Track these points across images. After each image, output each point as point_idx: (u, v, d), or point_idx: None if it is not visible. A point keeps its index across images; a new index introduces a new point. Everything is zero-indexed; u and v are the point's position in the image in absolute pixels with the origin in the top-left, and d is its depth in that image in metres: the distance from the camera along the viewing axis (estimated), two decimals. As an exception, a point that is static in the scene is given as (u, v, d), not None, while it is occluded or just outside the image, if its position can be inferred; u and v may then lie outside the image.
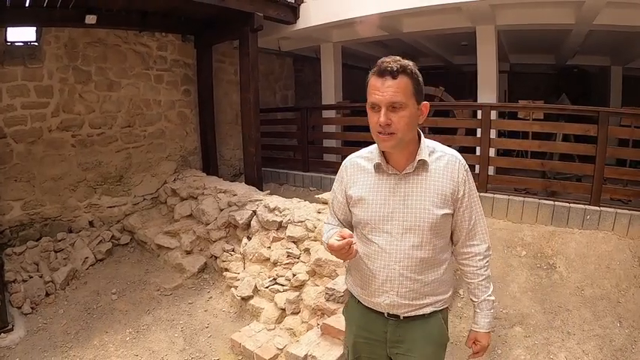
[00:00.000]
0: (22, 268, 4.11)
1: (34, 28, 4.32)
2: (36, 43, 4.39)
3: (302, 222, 3.82)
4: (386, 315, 1.44)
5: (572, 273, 3.50)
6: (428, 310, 1.42)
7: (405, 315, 1.42)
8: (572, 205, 3.97)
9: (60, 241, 4.56)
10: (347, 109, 6.38)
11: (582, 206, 3.92)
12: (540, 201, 4.13)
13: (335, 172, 1.64)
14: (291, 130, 6.81)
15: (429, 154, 1.38)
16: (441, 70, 9.50)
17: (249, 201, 4.49)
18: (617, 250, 3.54)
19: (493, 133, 4.66)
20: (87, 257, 4.48)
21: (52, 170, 4.64)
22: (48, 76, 4.48)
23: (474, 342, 1.50)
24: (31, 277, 4.01)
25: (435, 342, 1.47)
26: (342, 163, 1.54)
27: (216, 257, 4.39)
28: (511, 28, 5.12)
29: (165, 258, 4.60)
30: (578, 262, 3.56)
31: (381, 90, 1.25)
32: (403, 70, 1.26)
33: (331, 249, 1.31)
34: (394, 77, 1.25)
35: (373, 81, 1.28)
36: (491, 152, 4.63)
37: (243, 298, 3.64)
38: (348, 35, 6.14)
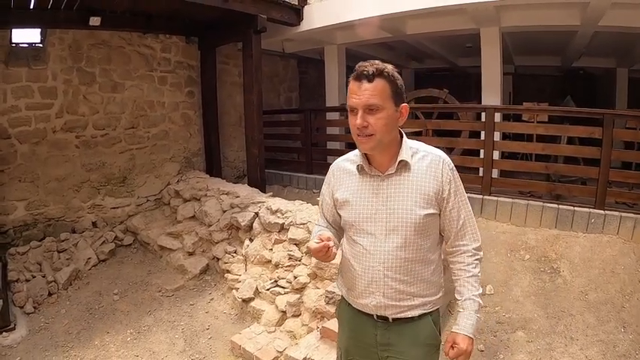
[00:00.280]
0: (25, 267, 4.13)
1: (39, 30, 4.37)
2: (40, 45, 4.43)
3: (304, 224, 3.81)
4: (375, 317, 1.43)
5: (576, 277, 3.45)
6: (417, 312, 1.41)
7: (394, 317, 1.41)
8: (576, 208, 3.93)
9: (63, 241, 4.58)
10: (350, 111, 6.34)
11: (587, 210, 3.87)
12: (544, 204, 4.10)
13: None
14: (295, 132, 6.81)
15: (412, 155, 1.39)
16: (446, 72, 9.48)
17: (252, 203, 4.49)
18: (621, 254, 3.49)
19: (497, 136, 4.63)
20: (90, 258, 4.50)
21: (55, 171, 4.67)
22: (52, 77, 4.52)
23: (451, 345, 1.39)
24: (34, 277, 4.03)
25: (426, 344, 1.44)
26: (330, 167, 1.57)
27: (218, 259, 4.40)
28: (516, 29, 5.09)
29: (168, 259, 4.61)
30: (582, 267, 3.52)
31: (358, 93, 1.28)
32: (380, 74, 1.28)
33: (310, 251, 1.35)
34: (370, 80, 1.27)
35: (351, 85, 1.32)
36: (495, 155, 4.60)
37: (244, 300, 3.63)
38: (351, 37, 6.13)
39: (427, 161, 1.39)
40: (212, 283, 4.25)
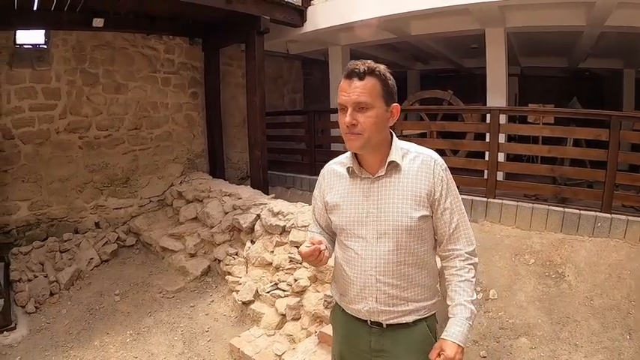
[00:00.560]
0: (28, 267, 4.15)
1: (43, 31, 4.39)
2: (44, 46, 4.45)
3: (305, 227, 3.78)
4: (369, 323, 1.40)
5: (582, 282, 3.39)
6: (411, 317, 1.37)
7: (388, 323, 1.37)
8: (582, 211, 3.87)
9: (66, 241, 4.60)
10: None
11: (593, 213, 3.82)
12: (550, 207, 4.04)
13: None
14: (298, 133, 6.79)
15: (403, 156, 1.35)
16: (452, 74, 9.41)
17: (254, 204, 4.47)
18: (628, 259, 3.42)
19: (502, 138, 4.57)
20: (92, 258, 4.51)
21: (59, 171, 4.70)
22: (56, 78, 4.55)
23: (438, 353, 1.29)
24: (36, 277, 4.05)
25: (421, 351, 1.39)
26: (321, 170, 1.54)
27: (219, 261, 4.38)
28: (521, 30, 5.02)
29: (170, 260, 4.61)
30: (588, 271, 3.45)
31: (348, 91, 1.27)
32: (371, 72, 1.26)
33: (301, 256, 1.31)
34: (361, 78, 1.26)
35: (342, 83, 1.30)
36: (500, 157, 4.54)
37: (244, 303, 3.61)
38: (356, 38, 6.10)
39: (418, 162, 1.35)
40: (213, 285, 4.23)
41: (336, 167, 1.47)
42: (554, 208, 4.02)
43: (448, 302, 1.36)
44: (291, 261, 3.69)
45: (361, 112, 1.26)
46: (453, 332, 1.29)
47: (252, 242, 4.22)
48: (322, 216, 1.53)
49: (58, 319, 3.70)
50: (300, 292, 3.36)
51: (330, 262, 1.48)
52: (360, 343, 1.43)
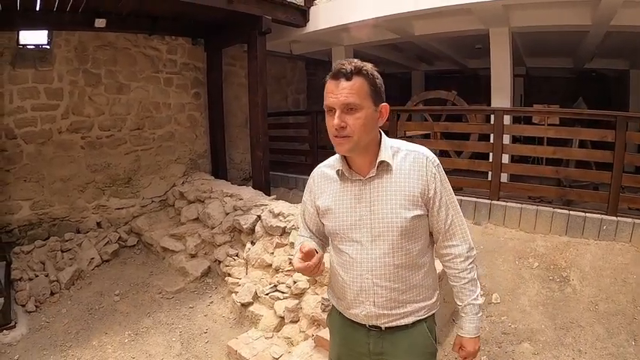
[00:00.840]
0: (29, 266, 4.16)
1: (46, 32, 4.41)
2: (47, 47, 4.47)
3: (305, 228, 3.74)
4: (367, 326, 1.37)
5: (586, 287, 3.32)
6: (410, 319, 1.35)
7: (387, 326, 1.35)
8: (588, 214, 3.80)
9: (67, 241, 4.61)
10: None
11: (599, 216, 3.74)
12: (555, 210, 3.97)
13: None
14: (302, 134, 6.76)
15: (393, 155, 1.32)
16: (456, 74, 9.35)
17: (255, 205, 4.45)
18: (634, 262, 3.35)
19: (506, 139, 4.51)
20: (93, 258, 4.51)
21: (61, 171, 4.71)
22: (58, 78, 4.57)
23: (460, 347, 1.44)
24: (37, 276, 4.05)
25: (421, 353, 1.39)
26: (311, 173, 1.50)
27: (219, 262, 4.36)
28: (526, 30, 4.96)
29: (170, 261, 4.60)
30: (593, 275, 3.38)
31: (335, 92, 1.22)
32: (358, 72, 1.22)
33: (297, 271, 1.28)
34: (348, 79, 1.21)
35: (328, 84, 1.25)
36: (505, 158, 4.47)
37: (243, 304, 3.58)
38: (358, 38, 6.06)
39: (410, 160, 1.31)
40: (213, 286, 4.21)
41: (326, 170, 1.44)
42: (559, 210, 3.95)
43: (457, 302, 1.42)
44: (290, 262, 3.66)
45: (350, 114, 1.22)
46: (469, 329, 1.39)
47: (253, 243, 4.19)
48: (312, 220, 1.50)
49: (58, 318, 3.71)
50: (299, 295, 3.32)
51: (327, 263, 1.45)
52: (359, 346, 1.41)
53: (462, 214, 1.40)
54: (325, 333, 2.56)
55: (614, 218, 3.67)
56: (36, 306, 3.81)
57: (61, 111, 4.63)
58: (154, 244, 4.87)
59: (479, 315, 1.39)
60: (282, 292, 3.46)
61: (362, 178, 1.33)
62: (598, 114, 4.12)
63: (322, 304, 2.92)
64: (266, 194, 4.94)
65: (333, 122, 1.23)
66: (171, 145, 5.68)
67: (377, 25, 5.17)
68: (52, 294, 3.99)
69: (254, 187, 5.16)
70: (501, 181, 4.40)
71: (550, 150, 4.34)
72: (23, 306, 3.79)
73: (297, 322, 3.20)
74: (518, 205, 4.16)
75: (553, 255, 3.67)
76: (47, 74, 4.49)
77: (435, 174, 1.31)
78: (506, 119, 4.52)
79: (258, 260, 3.95)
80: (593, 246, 3.64)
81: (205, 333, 3.48)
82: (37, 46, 4.42)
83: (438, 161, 1.34)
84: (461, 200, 4.18)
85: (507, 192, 4.43)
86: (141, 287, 4.23)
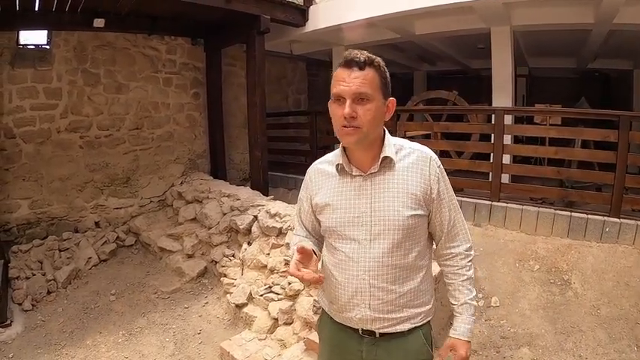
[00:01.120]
0: (27, 265, 4.16)
1: (45, 32, 4.41)
2: (47, 47, 4.48)
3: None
4: (360, 332, 1.31)
5: (588, 290, 3.24)
6: (406, 326, 1.29)
7: (382, 331, 1.28)
8: (590, 216, 3.73)
9: (65, 240, 4.60)
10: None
11: (601, 218, 3.67)
12: (556, 211, 3.90)
13: None
14: (302, 134, 6.72)
15: (396, 152, 1.27)
16: (459, 75, 9.28)
17: (252, 206, 4.41)
18: (637, 265, 3.27)
19: (507, 139, 4.44)
20: (90, 257, 4.50)
21: (59, 170, 4.71)
22: (57, 78, 4.57)
23: (450, 350, 1.35)
24: (34, 275, 4.05)
25: None
26: (307, 170, 1.45)
27: (216, 262, 4.33)
28: (527, 29, 4.89)
29: (167, 261, 4.58)
30: (595, 279, 3.30)
31: (347, 80, 1.18)
32: (371, 63, 1.19)
33: (299, 279, 1.20)
34: (361, 68, 1.18)
35: (339, 72, 1.21)
36: (506, 159, 4.41)
37: (237, 305, 3.54)
38: (359, 38, 6.02)
39: (413, 158, 1.28)
40: (209, 287, 4.18)
41: (323, 166, 1.39)
42: (560, 212, 3.88)
43: (452, 301, 1.37)
44: (286, 263, 3.61)
45: (361, 105, 1.18)
46: (462, 330, 1.33)
47: (249, 244, 4.16)
48: (308, 219, 1.45)
49: (54, 317, 3.70)
50: (294, 296, 3.28)
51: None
52: (351, 353, 1.34)
53: (462, 214, 1.37)
54: (316, 336, 2.51)
55: (616, 220, 3.59)
56: (32, 305, 3.80)
57: (59, 110, 4.64)
58: (151, 244, 4.85)
59: (474, 317, 1.35)
60: (277, 294, 3.41)
61: (363, 173, 1.28)
62: (601, 113, 4.05)
63: (314, 306, 2.87)
64: (264, 194, 4.90)
65: (341, 111, 1.19)
66: (170, 145, 5.67)
67: (377, 24, 5.13)
68: (48, 293, 3.98)
69: (252, 188, 5.13)
70: (502, 181, 4.34)
71: (552, 150, 4.26)
72: (20, 304, 3.78)
73: (290, 324, 3.15)
74: (519, 207, 4.10)
75: (554, 257, 3.60)
76: (46, 74, 4.50)
77: (438, 174, 1.28)
78: (508, 119, 4.45)
79: (254, 261, 3.91)
80: (595, 248, 3.57)
81: (199, 334, 3.44)
82: (36, 46, 4.42)
83: (440, 162, 1.31)
84: (461, 201, 4.12)
85: (508, 193, 4.36)
86: (137, 287, 4.21)
